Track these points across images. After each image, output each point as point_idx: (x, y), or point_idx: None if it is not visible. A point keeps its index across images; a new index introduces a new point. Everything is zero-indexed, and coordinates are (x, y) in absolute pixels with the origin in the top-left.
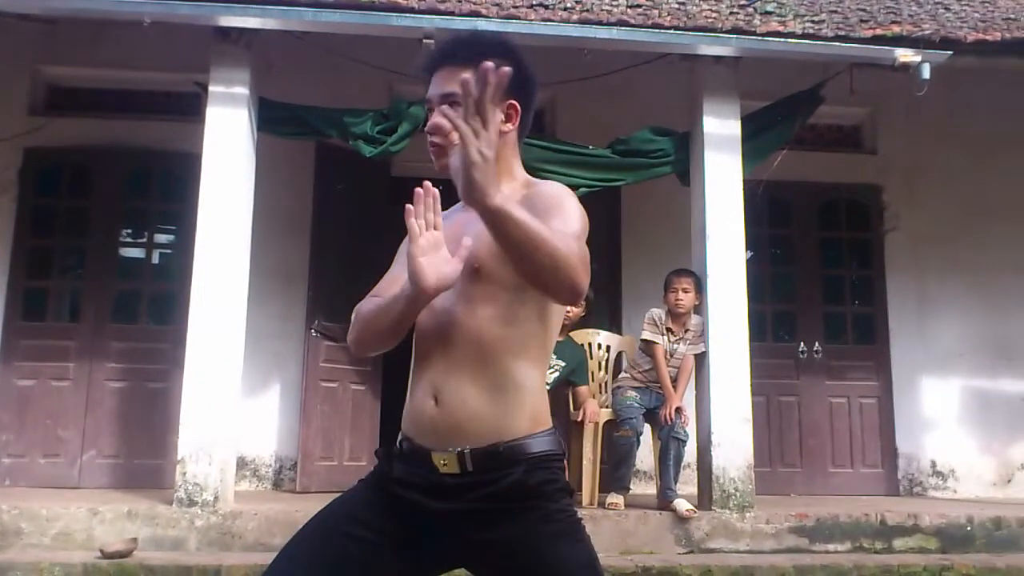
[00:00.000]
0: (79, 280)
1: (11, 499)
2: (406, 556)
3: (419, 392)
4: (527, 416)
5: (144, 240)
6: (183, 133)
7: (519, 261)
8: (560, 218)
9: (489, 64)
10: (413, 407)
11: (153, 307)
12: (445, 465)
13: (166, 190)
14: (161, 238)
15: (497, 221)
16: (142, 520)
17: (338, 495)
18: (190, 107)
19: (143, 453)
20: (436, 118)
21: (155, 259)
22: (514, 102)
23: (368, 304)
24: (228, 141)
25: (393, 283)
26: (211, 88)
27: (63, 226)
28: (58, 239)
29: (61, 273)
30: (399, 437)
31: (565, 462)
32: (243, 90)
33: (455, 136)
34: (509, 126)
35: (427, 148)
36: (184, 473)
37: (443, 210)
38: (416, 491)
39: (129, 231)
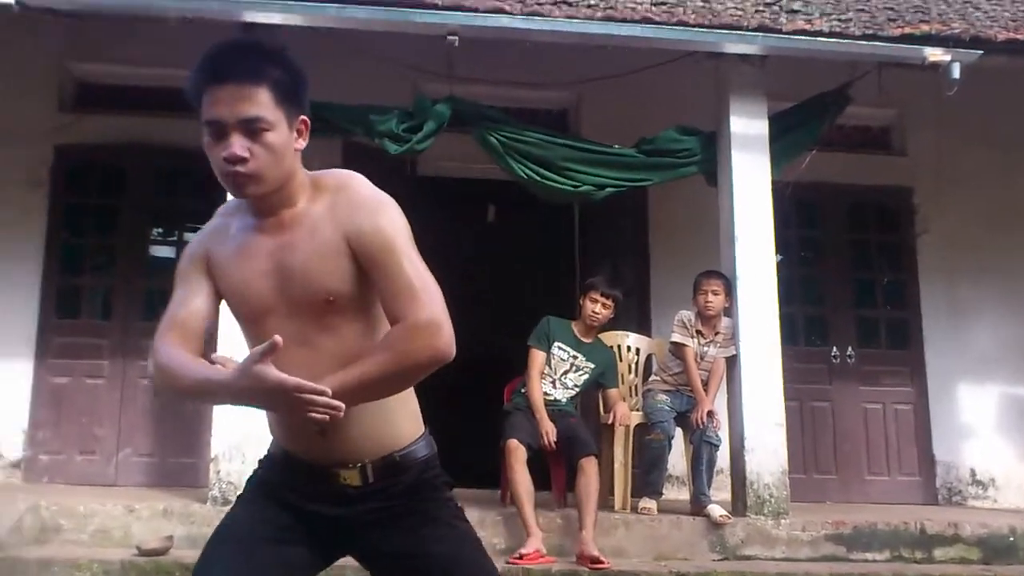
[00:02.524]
0: (111, 278)
1: (50, 496)
2: (315, 545)
3: (294, 424)
4: (410, 421)
5: (174, 238)
6: None
7: (387, 395)
8: (403, 257)
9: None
10: (294, 432)
11: None
12: (347, 479)
13: (196, 188)
14: (191, 236)
15: (349, 399)
16: (177, 518)
17: (225, 518)
18: None
19: (177, 451)
20: (237, 149)
21: None
22: (305, 118)
23: (177, 361)
24: None
25: (190, 316)
26: None
27: (94, 223)
28: (90, 236)
29: (93, 270)
30: (277, 448)
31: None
32: None
33: (257, 165)
34: (301, 142)
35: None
36: (218, 472)
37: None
38: (313, 500)
39: (160, 229)
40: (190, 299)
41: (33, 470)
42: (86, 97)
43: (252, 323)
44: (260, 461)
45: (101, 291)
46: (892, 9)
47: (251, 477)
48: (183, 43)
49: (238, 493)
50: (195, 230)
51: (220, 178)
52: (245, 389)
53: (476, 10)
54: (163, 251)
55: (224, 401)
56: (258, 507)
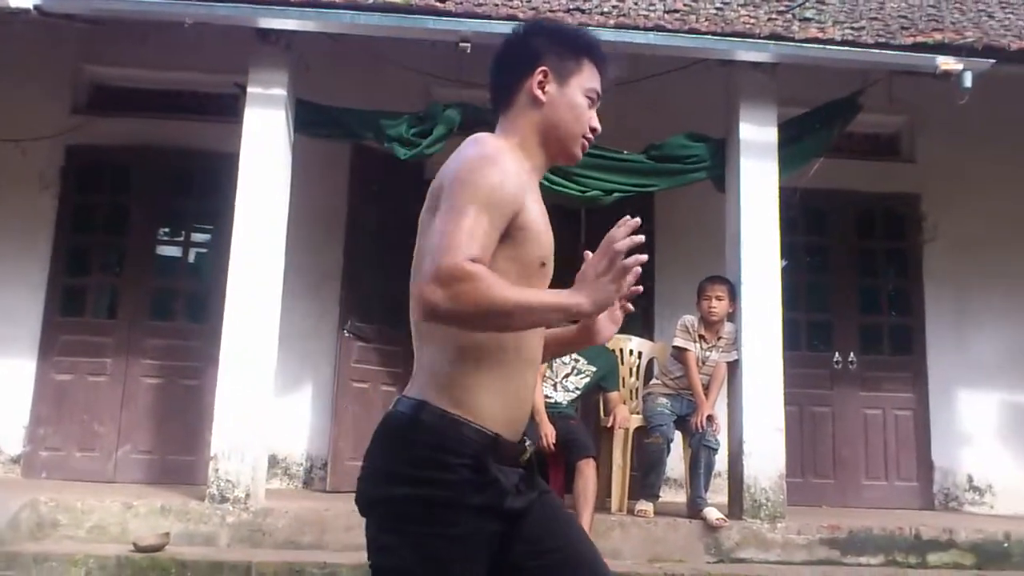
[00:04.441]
0: (117, 277)
1: (48, 492)
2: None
3: (520, 390)
4: None
5: (181, 239)
6: (221, 133)
7: None
8: None
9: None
10: (514, 404)
11: (189, 305)
12: (525, 455)
13: (203, 190)
14: (198, 237)
15: None
16: (175, 515)
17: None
18: (229, 108)
19: (177, 449)
20: (597, 122)
21: (191, 258)
22: None
23: (503, 289)
24: (265, 142)
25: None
26: (249, 89)
27: (102, 224)
28: (97, 236)
29: (100, 270)
30: (486, 438)
31: None
32: (281, 91)
33: None
34: None
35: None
36: (216, 470)
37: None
38: (526, 488)
39: (167, 230)
40: (494, 235)
41: (32, 466)
42: (99, 99)
43: (535, 274)
44: (454, 476)
45: (107, 290)
46: (906, 17)
47: (443, 501)
48: (194, 48)
49: (235, 493)
50: (202, 231)
51: (574, 135)
52: (592, 288)
53: (489, 17)
54: (170, 251)
55: (552, 319)
56: (475, 552)
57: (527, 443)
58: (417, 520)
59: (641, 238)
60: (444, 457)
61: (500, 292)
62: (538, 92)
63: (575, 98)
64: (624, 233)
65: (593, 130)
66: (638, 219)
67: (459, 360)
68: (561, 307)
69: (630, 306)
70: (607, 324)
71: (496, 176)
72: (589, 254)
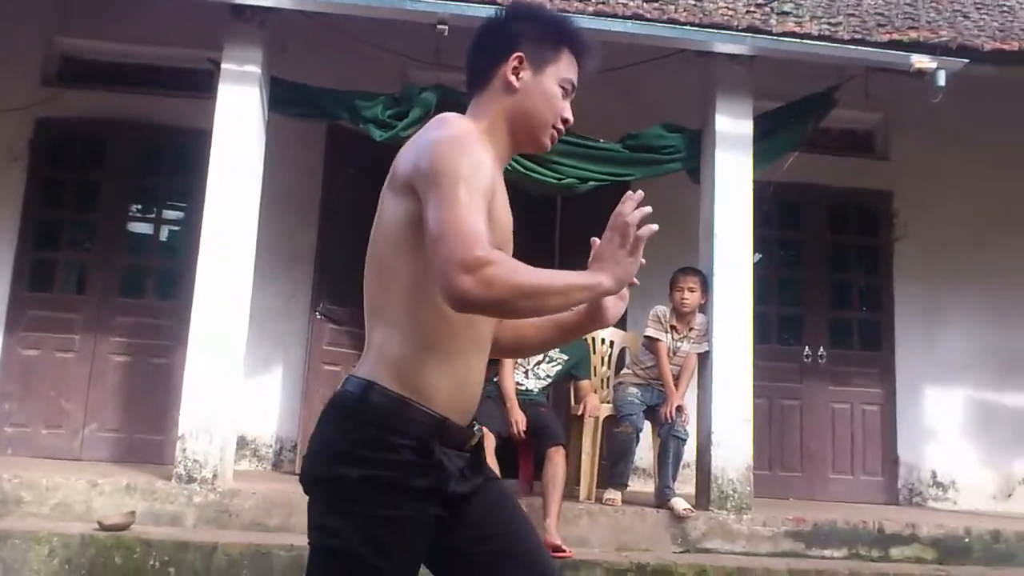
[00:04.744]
0: (87, 253)
1: (12, 468)
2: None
3: (469, 375)
4: None
5: (153, 216)
6: (195, 110)
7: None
8: None
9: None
10: (463, 388)
11: (159, 283)
12: (473, 439)
13: (176, 166)
14: (170, 214)
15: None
16: (141, 494)
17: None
18: (202, 84)
19: (144, 428)
20: (569, 113)
21: (163, 235)
22: None
23: (536, 271)
24: (239, 119)
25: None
26: (224, 66)
27: (72, 198)
28: (67, 211)
29: (69, 245)
30: (433, 420)
31: None
32: (255, 69)
33: None
34: None
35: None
36: (184, 450)
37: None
38: (471, 474)
39: (138, 206)
40: (484, 216)
41: None
42: (71, 72)
43: None
44: (398, 457)
45: (77, 266)
46: (883, 15)
47: (387, 482)
48: (169, 22)
49: (203, 473)
50: (174, 208)
51: (544, 124)
52: (610, 265)
53: (468, 0)
54: (141, 227)
55: (580, 300)
56: (417, 541)
57: (475, 428)
58: (360, 500)
59: (649, 209)
60: (390, 438)
61: (529, 274)
62: (512, 78)
63: (549, 87)
64: (632, 206)
65: (565, 121)
66: (641, 192)
67: (409, 342)
68: (585, 286)
69: (635, 280)
70: (615, 302)
71: (472, 160)
72: (597, 241)
